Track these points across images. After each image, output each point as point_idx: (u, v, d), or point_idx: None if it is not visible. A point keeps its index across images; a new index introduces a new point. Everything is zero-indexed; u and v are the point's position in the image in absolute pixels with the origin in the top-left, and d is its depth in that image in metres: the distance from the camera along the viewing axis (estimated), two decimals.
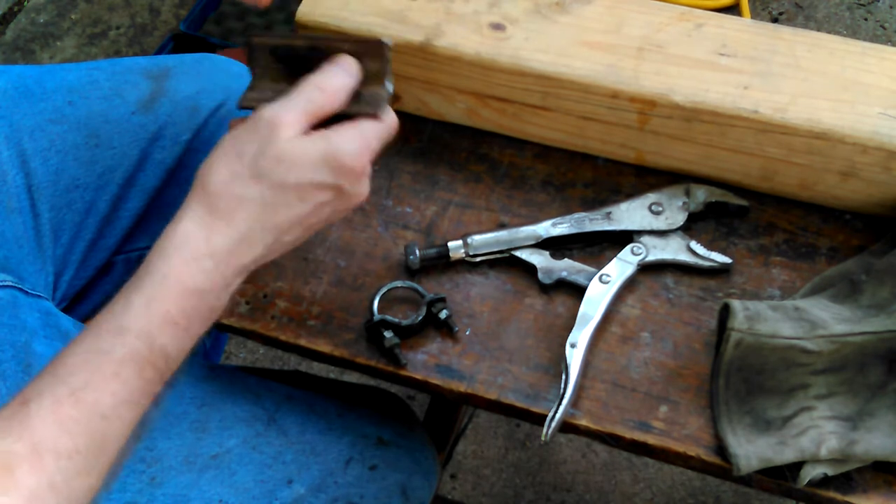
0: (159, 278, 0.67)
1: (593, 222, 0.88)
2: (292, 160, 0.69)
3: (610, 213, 0.89)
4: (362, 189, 0.72)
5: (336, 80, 0.72)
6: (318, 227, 0.73)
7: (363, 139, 0.71)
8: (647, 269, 0.87)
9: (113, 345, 0.64)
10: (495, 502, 1.59)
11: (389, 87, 0.74)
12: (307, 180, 0.69)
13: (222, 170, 0.69)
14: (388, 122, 0.73)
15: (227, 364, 1.64)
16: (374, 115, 0.73)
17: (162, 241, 0.68)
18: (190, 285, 0.67)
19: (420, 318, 0.83)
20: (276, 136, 0.69)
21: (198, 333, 0.69)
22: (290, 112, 0.70)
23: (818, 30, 1.30)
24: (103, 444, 0.63)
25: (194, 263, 0.67)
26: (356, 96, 0.73)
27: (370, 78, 0.74)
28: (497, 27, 0.90)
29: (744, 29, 0.90)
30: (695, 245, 0.87)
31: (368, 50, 0.74)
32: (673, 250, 0.87)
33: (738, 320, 0.77)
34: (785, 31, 0.89)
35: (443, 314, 0.83)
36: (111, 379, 0.64)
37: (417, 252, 0.87)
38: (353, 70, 0.73)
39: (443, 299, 0.84)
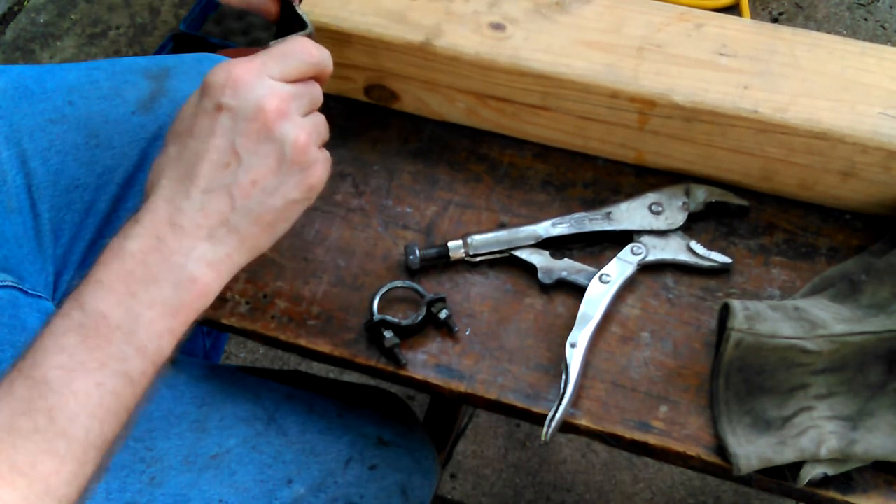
0: (95, 257, 0.68)
1: (593, 222, 0.88)
2: (181, 113, 0.71)
3: (610, 213, 0.89)
4: (254, 99, 0.68)
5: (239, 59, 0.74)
6: (249, 163, 0.69)
7: (231, 60, 0.71)
8: (647, 269, 0.87)
9: (52, 320, 0.65)
10: (495, 502, 1.59)
11: (309, 27, 0.76)
12: (187, 115, 0.70)
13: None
14: (286, 43, 0.72)
15: (227, 364, 1.64)
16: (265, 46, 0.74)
17: None
18: (117, 251, 0.67)
19: (420, 318, 0.83)
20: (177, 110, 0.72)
21: (157, 301, 0.66)
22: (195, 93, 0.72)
23: (818, 30, 1.30)
24: (61, 422, 0.61)
25: (121, 232, 0.68)
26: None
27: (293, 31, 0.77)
28: (497, 27, 0.90)
29: (744, 29, 0.90)
30: (695, 245, 0.87)
31: (287, 16, 0.78)
32: (673, 250, 0.87)
33: (738, 320, 0.77)
34: (785, 31, 0.90)
35: (443, 314, 0.84)
36: (56, 352, 0.63)
37: (417, 252, 0.87)
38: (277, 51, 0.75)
39: (443, 299, 0.84)
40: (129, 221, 0.69)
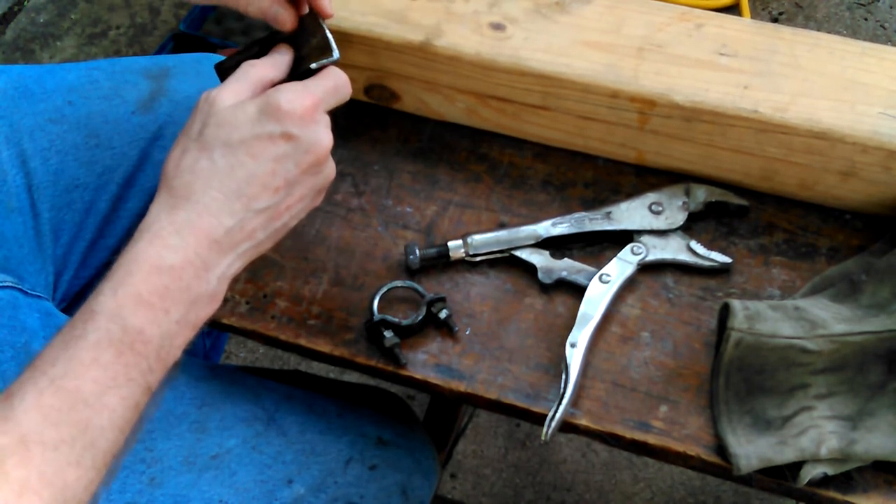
0: (126, 262, 0.67)
1: (593, 222, 0.88)
2: (233, 121, 0.71)
3: (610, 212, 0.89)
4: (316, 135, 0.72)
5: (266, 56, 0.76)
6: (292, 190, 0.73)
7: (300, 85, 0.73)
8: (647, 269, 0.87)
9: (85, 329, 0.64)
10: (495, 502, 1.59)
11: (336, 54, 0.77)
12: (251, 134, 0.70)
13: (173, 152, 0.72)
14: (334, 76, 0.75)
15: (227, 364, 1.64)
16: (314, 72, 0.76)
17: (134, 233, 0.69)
18: (157, 263, 0.67)
19: (420, 317, 0.83)
20: (215, 106, 0.71)
21: (184, 317, 0.68)
22: (226, 86, 0.73)
23: (818, 30, 1.30)
24: (91, 434, 0.62)
25: (159, 241, 0.68)
26: (308, 71, 0.76)
27: (317, 51, 0.77)
28: (497, 27, 0.90)
29: (744, 29, 0.90)
30: (695, 245, 0.87)
31: (308, 28, 0.78)
32: (673, 250, 0.87)
33: (738, 320, 0.77)
34: (785, 31, 0.90)
35: (443, 314, 0.84)
36: (90, 365, 0.63)
37: (417, 252, 0.87)
38: (283, 49, 0.78)
39: (443, 299, 0.84)
40: (166, 228, 0.68)
